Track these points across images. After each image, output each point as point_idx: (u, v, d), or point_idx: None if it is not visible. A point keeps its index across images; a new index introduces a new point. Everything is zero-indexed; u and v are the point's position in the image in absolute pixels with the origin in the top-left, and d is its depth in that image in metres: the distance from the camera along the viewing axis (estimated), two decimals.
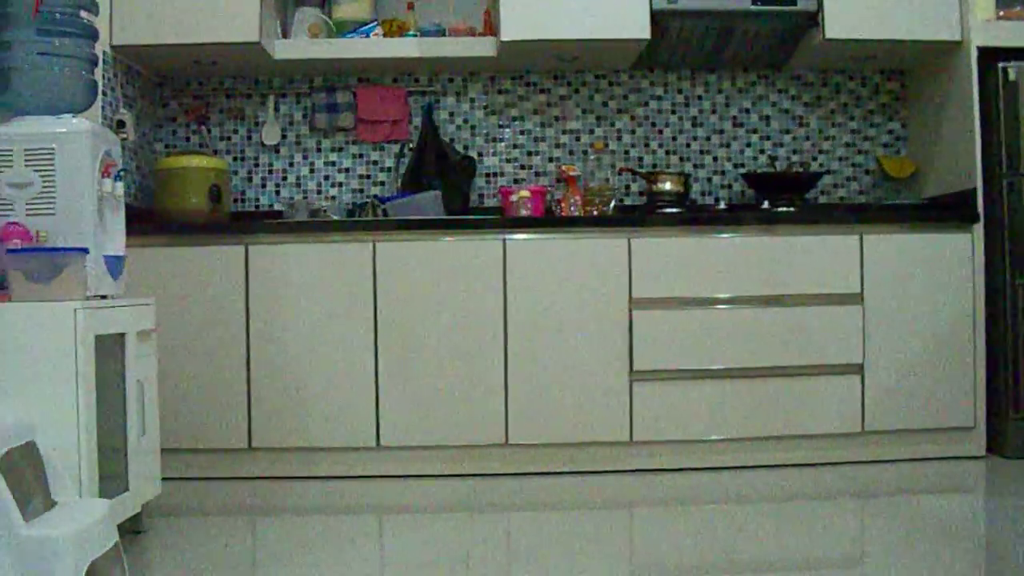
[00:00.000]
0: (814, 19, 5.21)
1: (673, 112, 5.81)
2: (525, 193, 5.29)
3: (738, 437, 4.97)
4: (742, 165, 5.82)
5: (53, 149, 3.57)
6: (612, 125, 5.78)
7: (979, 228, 5.03)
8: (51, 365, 3.26)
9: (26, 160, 3.56)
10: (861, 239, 4.99)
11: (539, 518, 4.26)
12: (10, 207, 3.55)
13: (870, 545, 3.94)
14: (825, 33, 5.17)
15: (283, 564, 3.67)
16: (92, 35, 3.84)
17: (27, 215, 3.54)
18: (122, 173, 3.85)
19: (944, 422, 5.03)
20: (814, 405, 4.97)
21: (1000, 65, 5.07)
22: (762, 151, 5.83)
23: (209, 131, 5.68)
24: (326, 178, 5.72)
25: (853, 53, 5.49)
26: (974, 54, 5.11)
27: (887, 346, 4.99)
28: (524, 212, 5.24)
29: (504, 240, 4.86)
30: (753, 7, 5.14)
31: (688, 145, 5.81)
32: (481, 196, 5.72)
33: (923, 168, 5.65)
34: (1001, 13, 5.23)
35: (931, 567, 3.45)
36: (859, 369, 4.98)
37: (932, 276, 5.01)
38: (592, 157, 5.67)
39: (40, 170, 3.56)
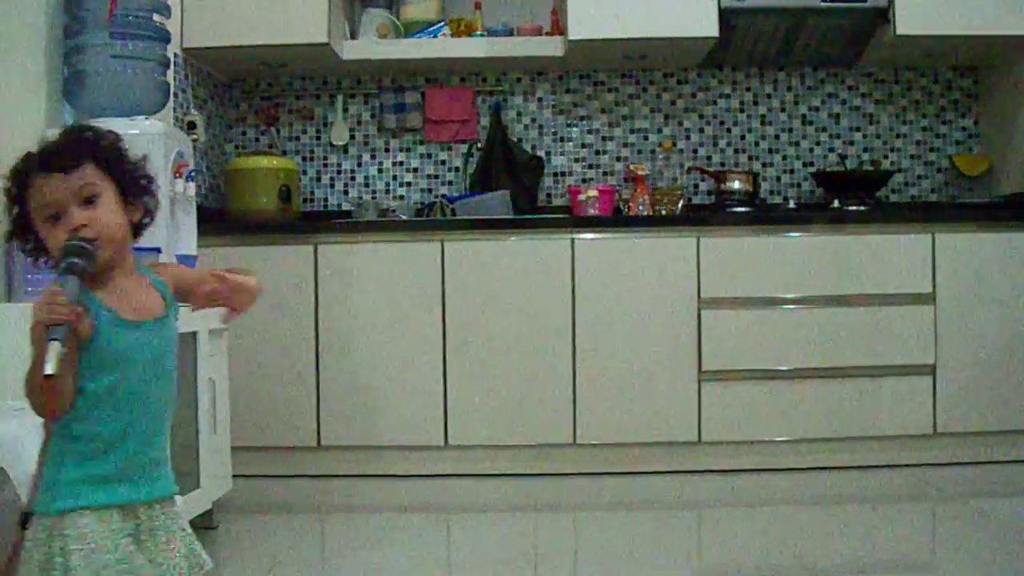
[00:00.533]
0: (884, 15, 5.14)
1: (741, 110, 5.77)
2: (593, 192, 5.28)
3: (807, 438, 4.92)
4: (811, 164, 5.77)
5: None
6: (680, 124, 5.76)
7: None
8: None
9: None
10: (933, 238, 4.92)
11: (606, 518, 4.26)
12: None
13: (941, 549, 3.90)
14: (896, 29, 5.11)
15: (351, 561, 3.70)
16: (164, 38, 3.89)
17: None
18: (193, 174, 3.90)
19: (1018, 424, 4.95)
20: (885, 406, 4.92)
21: None
22: (832, 149, 5.77)
23: (278, 132, 5.73)
24: (394, 178, 5.75)
25: (924, 49, 5.42)
26: None
27: (959, 347, 4.92)
28: (592, 211, 5.24)
29: (572, 240, 4.86)
30: (822, 4, 5.09)
31: (757, 144, 5.76)
32: (549, 196, 5.72)
33: (996, 166, 5.56)
34: None
35: (1003, 571, 3.40)
36: (931, 370, 4.92)
37: (1005, 276, 4.93)
38: (660, 156, 5.65)
39: None
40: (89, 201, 1.83)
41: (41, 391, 1.72)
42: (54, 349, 1.66)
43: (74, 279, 1.75)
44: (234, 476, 4.20)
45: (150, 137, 3.66)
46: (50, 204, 1.82)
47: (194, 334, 3.75)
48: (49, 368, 1.65)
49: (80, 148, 1.86)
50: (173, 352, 1.94)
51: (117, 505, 1.81)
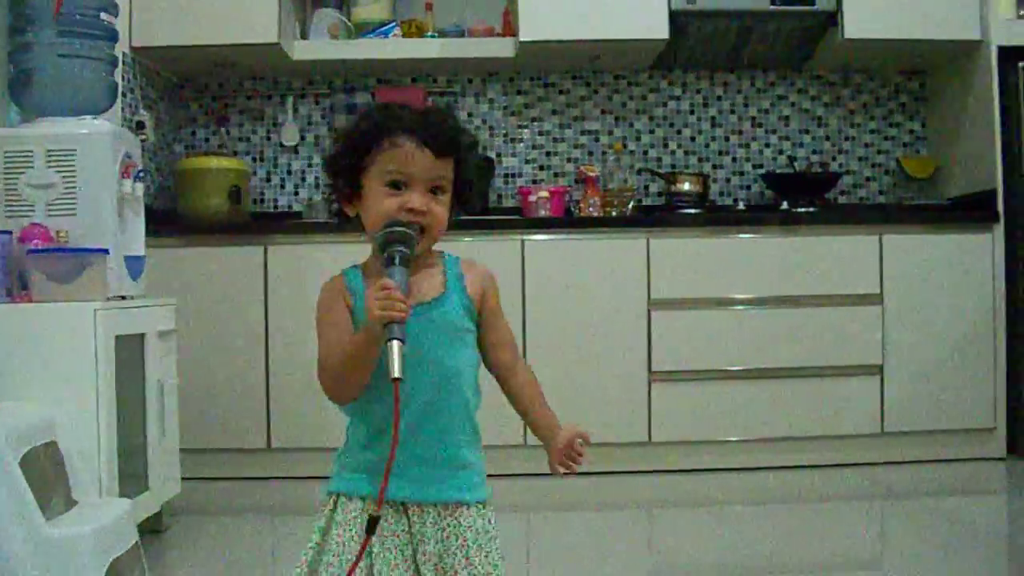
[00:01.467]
0: (833, 19, 5.19)
1: (692, 112, 5.80)
2: (544, 194, 5.29)
3: (757, 438, 4.96)
4: (761, 166, 5.81)
5: (74, 150, 3.58)
6: (631, 125, 5.78)
7: (999, 228, 5.01)
8: (72, 365, 3.28)
9: (47, 161, 3.58)
10: (881, 240, 4.97)
11: (557, 519, 4.26)
12: (31, 208, 3.56)
13: (890, 547, 3.93)
14: (845, 33, 5.16)
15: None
16: (112, 37, 3.85)
17: (48, 216, 3.56)
18: (142, 174, 3.87)
19: (964, 423, 5.01)
20: (833, 406, 4.96)
21: (1021, 64, 5.04)
22: (781, 151, 5.81)
23: (228, 132, 5.70)
24: None
25: (873, 53, 5.47)
26: (994, 53, 5.09)
27: (907, 347, 4.97)
28: (543, 213, 5.24)
29: (523, 241, 4.86)
30: (772, 7, 5.13)
31: (707, 145, 5.79)
32: (500, 197, 5.72)
33: (943, 168, 5.62)
34: (1021, 12, 5.21)
35: (951, 568, 3.44)
36: (879, 370, 4.97)
37: (952, 277, 4.99)
38: (611, 158, 5.67)
39: (61, 171, 3.58)
40: (433, 191, 1.81)
41: (344, 379, 1.78)
42: (398, 350, 1.65)
43: (403, 270, 1.73)
44: (184, 479, 4.17)
45: (97, 137, 3.62)
46: (404, 173, 1.79)
47: (142, 336, 3.72)
48: (396, 371, 1.64)
49: (457, 140, 1.83)
50: (437, 338, 1.82)
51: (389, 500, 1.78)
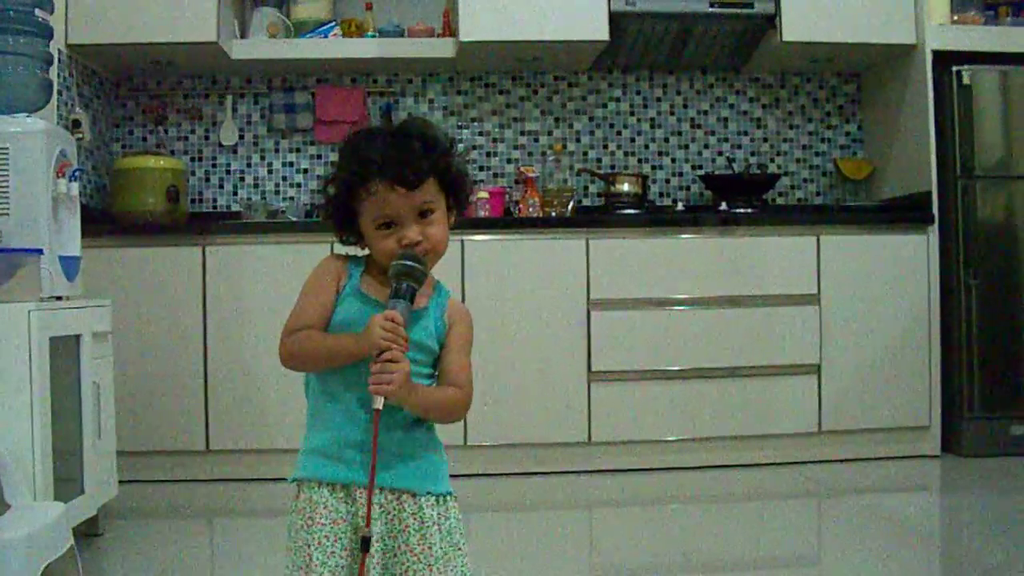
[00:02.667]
0: (772, 22, 5.24)
1: (632, 114, 5.82)
2: (484, 194, 5.29)
3: (696, 437, 4.99)
4: (700, 167, 5.84)
5: (7, 149, 3.53)
6: (571, 126, 5.79)
7: (934, 230, 5.08)
8: (5, 367, 3.23)
9: None
10: (818, 240, 5.02)
11: (497, 519, 4.26)
12: None
13: (827, 543, 3.97)
14: (783, 35, 5.21)
15: (240, 566, 3.66)
16: (47, 34, 3.80)
17: None
18: (77, 173, 3.82)
19: (900, 422, 5.07)
20: (772, 405, 5.00)
21: (954, 69, 5.12)
22: (720, 153, 5.85)
23: (166, 131, 5.64)
24: (284, 179, 5.69)
25: (810, 55, 5.53)
26: (929, 58, 5.16)
27: (844, 346, 5.03)
28: (483, 213, 5.24)
29: (462, 241, 4.86)
30: (711, 9, 5.17)
31: (646, 147, 5.82)
32: None
33: (879, 170, 5.69)
34: (955, 17, 5.30)
35: (887, 564, 3.48)
36: (816, 369, 5.02)
37: (888, 277, 5.05)
38: (551, 158, 5.68)
39: None
40: (423, 214, 1.86)
41: (308, 363, 1.89)
42: (383, 392, 1.77)
43: (408, 305, 1.81)
44: (120, 481, 4.12)
45: (31, 135, 3.57)
46: (388, 216, 1.85)
47: (77, 337, 3.67)
48: (379, 405, 1.78)
49: (425, 162, 1.85)
50: (411, 350, 1.84)
51: (329, 483, 1.87)
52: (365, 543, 1.79)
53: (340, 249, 1.99)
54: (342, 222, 1.92)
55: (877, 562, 3.52)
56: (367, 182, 1.84)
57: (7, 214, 3.52)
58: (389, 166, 1.83)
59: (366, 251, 1.93)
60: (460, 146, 5.61)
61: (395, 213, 1.84)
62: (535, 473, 4.91)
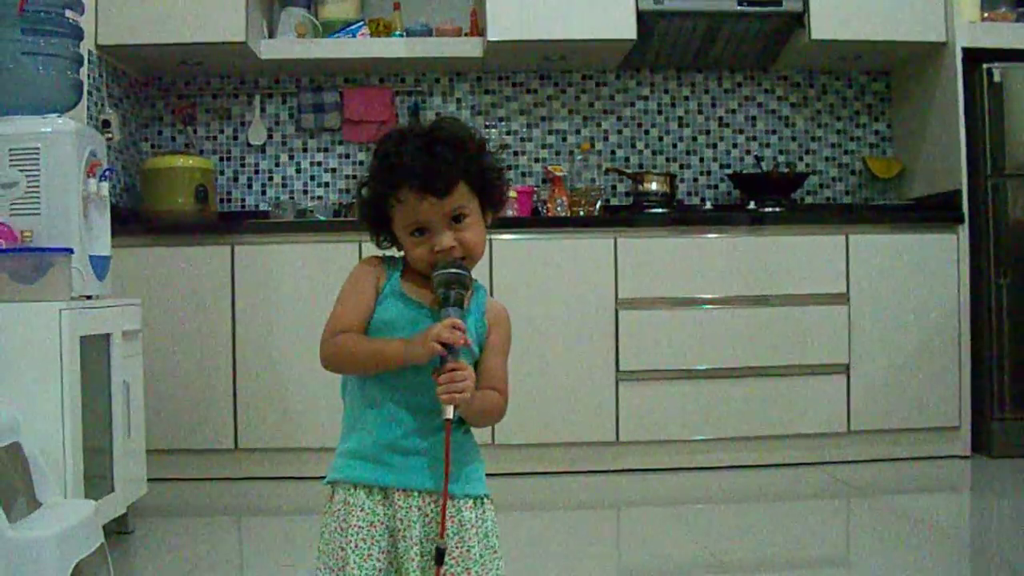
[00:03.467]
0: (800, 20, 5.22)
1: (659, 112, 5.81)
2: (512, 193, 5.29)
3: (724, 437, 4.97)
4: (728, 166, 5.83)
5: (38, 149, 3.56)
6: (599, 125, 5.79)
7: (964, 229, 5.05)
8: (36, 366, 3.25)
9: (11, 160, 3.55)
10: (847, 239, 5.00)
11: (524, 518, 4.26)
12: None
13: (856, 544, 3.95)
14: (811, 34, 5.18)
15: (269, 564, 3.67)
16: (77, 34, 3.82)
17: (12, 215, 3.53)
18: (107, 173, 3.84)
19: (929, 422, 5.04)
20: (800, 405, 4.98)
21: (984, 66, 5.08)
22: (748, 151, 5.84)
23: (195, 131, 5.67)
24: (312, 178, 5.71)
25: (839, 54, 5.51)
26: (959, 55, 5.12)
27: (873, 346, 5.00)
28: (510, 212, 5.24)
29: (490, 240, 4.85)
30: (739, 8, 5.15)
31: (674, 146, 5.81)
32: None
33: (909, 169, 5.66)
34: (986, 15, 5.26)
35: (916, 566, 3.46)
36: (845, 369, 4.99)
37: (917, 277, 5.02)
38: (579, 157, 5.67)
39: (25, 170, 3.55)
40: (456, 219, 1.85)
41: (352, 365, 1.88)
42: (457, 401, 1.76)
43: (459, 310, 1.80)
44: (150, 480, 4.15)
45: (62, 135, 3.60)
46: (419, 223, 1.85)
47: (107, 336, 3.69)
48: (450, 415, 1.76)
49: (455, 168, 1.84)
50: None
51: (366, 485, 1.87)
52: (440, 555, 1.78)
53: (375, 251, 1.98)
54: (377, 225, 1.91)
55: (906, 564, 3.50)
56: (397, 190, 1.83)
57: (38, 214, 3.55)
58: (417, 174, 1.82)
59: (402, 253, 1.93)
60: (491, 143, 5.61)
61: (426, 220, 1.83)
62: (563, 472, 4.91)
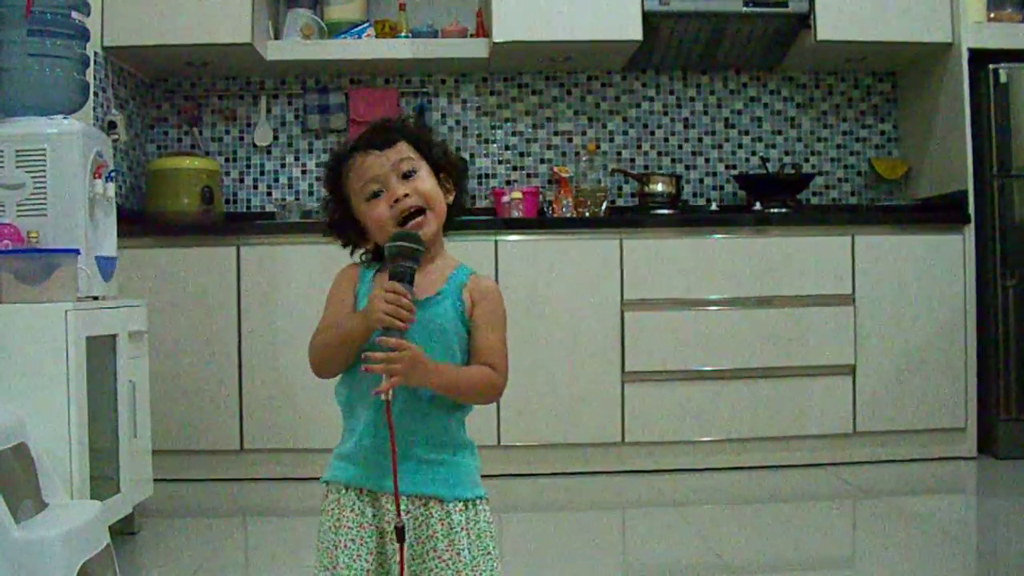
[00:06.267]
0: (806, 21, 5.21)
1: (665, 113, 5.81)
2: (517, 194, 5.29)
3: (730, 438, 4.97)
4: (734, 167, 5.82)
5: (44, 150, 3.57)
6: (604, 126, 5.79)
7: (970, 229, 5.04)
8: (42, 366, 3.26)
9: (17, 161, 3.56)
10: (853, 240, 4.99)
11: (530, 519, 4.26)
12: (1, 208, 3.54)
13: (861, 546, 3.95)
14: (817, 35, 5.18)
15: (274, 565, 3.68)
16: (83, 36, 3.83)
17: (18, 216, 3.54)
18: (113, 174, 3.85)
19: (936, 423, 5.04)
20: (806, 406, 4.98)
21: (991, 67, 5.08)
22: (754, 152, 5.83)
23: (201, 132, 5.67)
24: (318, 179, 5.71)
25: (845, 55, 5.50)
26: (965, 56, 5.12)
27: (879, 347, 5.00)
28: (516, 213, 5.25)
29: (496, 241, 4.86)
30: (744, 9, 5.15)
31: (680, 147, 5.81)
32: (473, 198, 5.71)
33: (915, 169, 5.66)
34: (992, 15, 5.26)
35: (922, 567, 3.46)
36: (851, 370, 4.99)
37: (923, 277, 5.01)
38: (584, 158, 5.67)
39: (31, 171, 3.56)
40: (407, 176, 1.90)
41: (326, 356, 1.91)
42: (392, 384, 1.77)
43: (407, 286, 1.80)
44: (155, 480, 4.15)
45: (68, 137, 3.61)
46: (371, 179, 1.91)
47: (113, 337, 3.70)
48: (387, 397, 1.78)
49: (392, 127, 1.95)
50: (421, 337, 1.84)
51: (356, 487, 1.90)
52: (400, 533, 1.80)
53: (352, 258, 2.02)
54: (340, 223, 1.99)
55: (912, 565, 3.50)
56: (346, 159, 1.93)
57: (45, 215, 3.56)
58: (361, 139, 1.94)
59: (369, 247, 1.99)
60: (497, 144, 5.62)
61: (376, 175, 1.90)
62: (568, 473, 4.91)
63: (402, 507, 1.84)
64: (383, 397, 1.77)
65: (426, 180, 1.92)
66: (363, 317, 1.82)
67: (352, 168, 1.92)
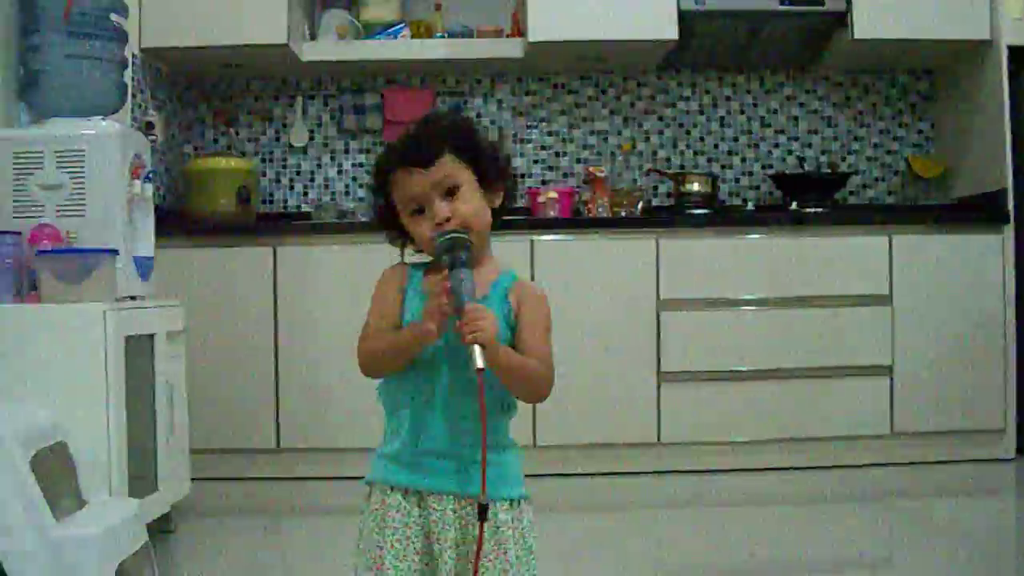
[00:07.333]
0: (842, 19, 5.18)
1: (701, 113, 5.79)
2: (553, 194, 5.29)
3: (766, 439, 4.95)
4: (770, 166, 5.80)
5: (83, 151, 3.59)
6: (640, 126, 5.77)
7: (1009, 229, 5.00)
8: (81, 366, 3.28)
9: (57, 162, 3.59)
10: (890, 240, 4.96)
11: (565, 519, 4.26)
12: (41, 209, 3.57)
13: (898, 547, 3.93)
14: (854, 33, 5.15)
15: (310, 563, 3.69)
16: (122, 38, 3.86)
17: (57, 216, 3.57)
18: (151, 175, 3.88)
19: (974, 424, 5.00)
20: (842, 407, 4.95)
21: None
22: (790, 152, 5.80)
23: (237, 133, 5.70)
24: (354, 179, 5.73)
25: (882, 53, 5.47)
26: (1004, 53, 5.07)
27: (916, 348, 4.96)
28: (552, 213, 5.24)
29: (531, 241, 4.86)
30: (781, 7, 5.12)
31: (716, 146, 5.79)
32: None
33: (953, 168, 5.61)
34: None
35: (960, 571, 3.44)
36: (888, 371, 4.96)
37: (962, 277, 4.98)
38: (620, 158, 5.66)
39: (70, 172, 3.58)
40: (450, 192, 1.87)
41: (377, 363, 1.89)
42: (479, 352, 1.74)
43: (469, 271, 1.81)
44: (192, 479, 4.17)
45: (106, 138, 3.63)
46: (413, 198, 1.88)
47: (151, 337, 3.72)
48: (479, 361, 1.74)
49: (437, 139, 1.89)
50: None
51: (401, 487, 1.89)
52: (482, 511, 1.77)
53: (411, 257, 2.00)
54: (388, 223, 1.96)
55: (949, 568, 3.47)
56: (390, 173, 1.90)
57: (83, 215, 3.58)
58: (402, 152, 1.89)
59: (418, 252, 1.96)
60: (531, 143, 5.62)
61: (418, 194, 1.87)
62: (604, 473, 4.90)
63: (449, 507, 1.85)
64: (476, 366, 1.74)
65: (469, 198, 1.88)
66: (413, 326, 1.82)
67: (395, 182, 1.89)
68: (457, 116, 1.95)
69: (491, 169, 1.93)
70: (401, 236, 1.96)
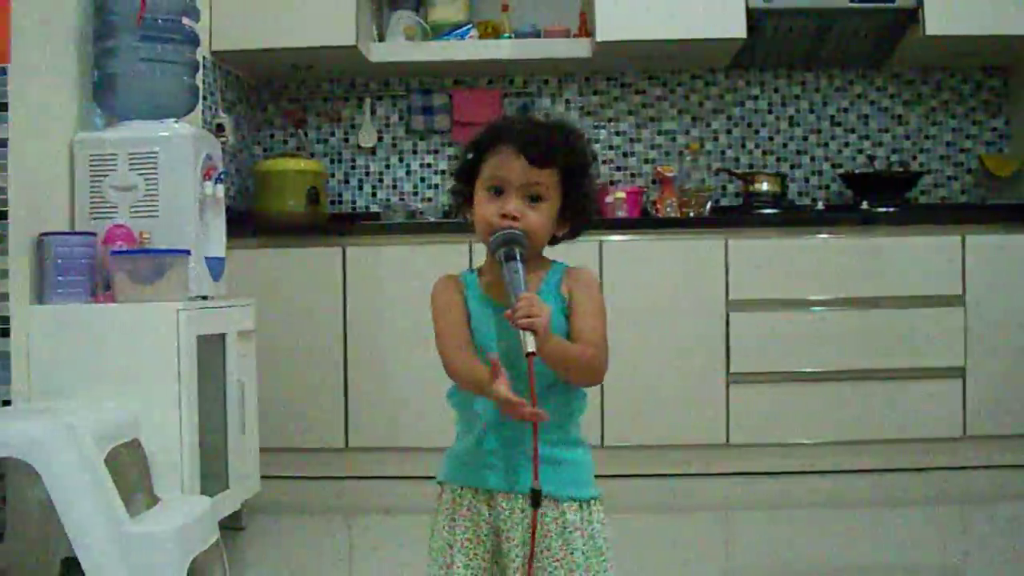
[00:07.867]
0: (914, 16, 5.12)
1: (770, 112, 5.75)
2: (621, 194, 5.27)
3: (836, 441, 4.90)
4: (840, 165, 5.74)
5: (156, 153, 3.64)
6: (708, 125, 5.74)
7: None
8: (154, 364, 3.33)
9: (130, 164, 3.64)
10: (963, 240, 4.89)
11: (633, 520, 4.25)
12: (115, 210, 3.63)
13: (971, 553, 3.88)
14: (925, 30, 5.08)
15: (377, 563, 3.71)
16: (193, 41, 3.91)
17: (131, 217, 3.62)
18: (223, 176, 3.92)
19: None
20: (914, 409, 4.89)
21: None
22: (860, 151, 5.74)
23: (306, 134, 5.75)
24: (422, 180, 5.75)
25: (954, 49, 5.39)
26: None
27: (990, 349, 4.89)
28: (620, 213, 5.23)
29: (600, 242, 4.86)
30: (851, 5, 5.07)
31: (785, 145, 5.74)
32: None
33: None
34: None
35: None
36: (961, 373, 4.89)
37: None
38: (688, 158, 5.64)
39: (144, 173, 3.64)
40: (533, 199, 1.88)
41: (462, 383, 1.89)
42: (532, 339, 1.74)
43: (522, 265, 1.82)
44: (262, 477, 4.21)
45: (179, 139, 3.68)
46: (503, 180, 1.88)
47: (223, 336, 3.76)
48: (530, 346, 1.74)
49: (560, 150, 1.90)
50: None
51: (471, 487, 1.91)
52: (535, 496, 1.76)
53: (481, 254, 2.00)
54: (463, 176, 1.95)
55: (1020, 573, 3.42)
56: (497, 143, 1.88)
57: (156, 216, 3.63)
58: (521, 135, 1.88)
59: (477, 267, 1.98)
60: (596, 164, 5.62)
61: (507, 178, 1.87)
62: (672, 475, 4.88)
63: (517, 505, 1.86)
64: (526, 349, 1.73)
65: (543, 213, 1.88)
66: (489, 394, 1.77)
67: (494, 154, 1.88)
68: (590, 147, 1.96)
69: (576, 209, 1.94)
70: (464, 196, 1.96)
